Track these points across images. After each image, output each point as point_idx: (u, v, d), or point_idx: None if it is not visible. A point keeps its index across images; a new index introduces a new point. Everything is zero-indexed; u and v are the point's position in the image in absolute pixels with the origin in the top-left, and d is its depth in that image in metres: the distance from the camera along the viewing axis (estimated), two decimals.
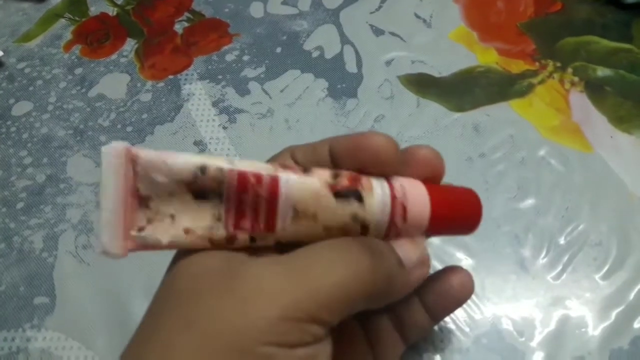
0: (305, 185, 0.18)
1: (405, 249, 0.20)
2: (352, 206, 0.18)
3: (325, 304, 0.17)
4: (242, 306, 0.17)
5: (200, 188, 0.17)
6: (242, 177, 0.17)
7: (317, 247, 0.18)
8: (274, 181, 0.17)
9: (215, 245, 0.17)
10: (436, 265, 0.32)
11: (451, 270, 0.25)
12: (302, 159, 0.21)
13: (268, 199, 0.17)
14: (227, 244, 0.17)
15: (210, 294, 0.17)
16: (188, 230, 0.17)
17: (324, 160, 0.20)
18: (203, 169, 0.17)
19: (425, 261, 0.20)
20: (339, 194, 0.18)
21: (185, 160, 0.17)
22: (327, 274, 0.17)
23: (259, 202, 0.17)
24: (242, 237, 0.17)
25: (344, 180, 0.19)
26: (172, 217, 0.17)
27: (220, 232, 0.17)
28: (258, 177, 0.17)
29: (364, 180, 0.19)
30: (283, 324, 0.17)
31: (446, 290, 0.24)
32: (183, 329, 0.16)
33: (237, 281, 0.17)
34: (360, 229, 0.18)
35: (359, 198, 0.18)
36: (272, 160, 0.21)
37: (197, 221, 0.17)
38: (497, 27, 0.41)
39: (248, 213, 0.17)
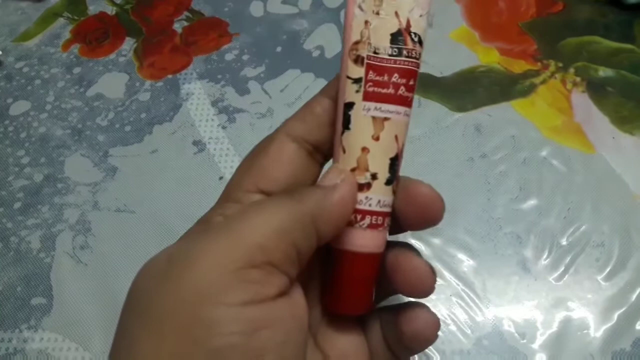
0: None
1: (328, 175, 0.21)
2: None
3: (256, 246, 0.18)
4: (181, 281, 0.17)
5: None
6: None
7: (247, 212, 0.19)
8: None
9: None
10: (437, 266, 0.31)
11: (408, 319, 0.21)
12: (301, 129, 0.22)
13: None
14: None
15: (155, 288, 0.18)
16: (367, 21, 0.20)
17: (323, 118, 0.21)
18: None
19: (346, 178, 0.20)
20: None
21: None
22: (252, 222, 0.18)
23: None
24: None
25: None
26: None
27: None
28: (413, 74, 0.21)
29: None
30: (221, 279, 0.17)
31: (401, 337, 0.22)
32: (141, 324, 0.18)
33: (177, 269, 0.18)
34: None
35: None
36: (267, 140, 0.22)
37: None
38: (498, 26, 0.41)
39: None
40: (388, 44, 0.20)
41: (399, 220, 0.21)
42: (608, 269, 0.31)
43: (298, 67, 0.40)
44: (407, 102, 0.20)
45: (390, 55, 0.20)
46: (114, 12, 0.44)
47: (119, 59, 0.41)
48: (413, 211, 0.21)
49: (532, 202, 0.33)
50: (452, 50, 0.40)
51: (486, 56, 0.39)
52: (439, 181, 0.35)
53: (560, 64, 0.39)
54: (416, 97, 0.38)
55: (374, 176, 0.20)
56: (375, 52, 0.20)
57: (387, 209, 0.21)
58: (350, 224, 0.20)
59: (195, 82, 0.40)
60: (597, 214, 0.33)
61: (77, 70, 0.41)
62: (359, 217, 0.20)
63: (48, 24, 0.44)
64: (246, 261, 0.17)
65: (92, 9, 0.44)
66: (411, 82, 0.20)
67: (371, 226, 0.20)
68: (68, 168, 0.37)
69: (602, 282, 0.31)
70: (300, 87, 0.39)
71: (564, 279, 0.31)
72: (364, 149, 0.20)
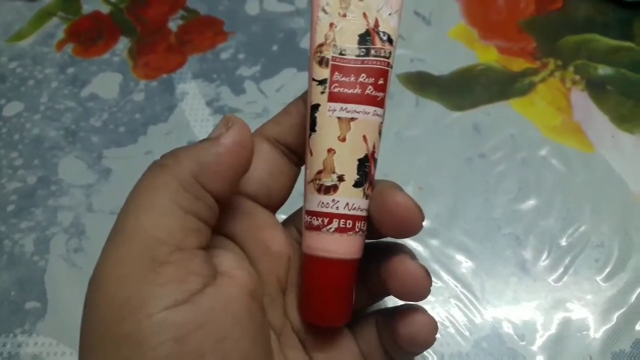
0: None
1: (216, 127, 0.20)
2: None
3: (152, 239, 0.17)
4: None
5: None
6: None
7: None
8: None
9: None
10: (435, 267, 0.31)
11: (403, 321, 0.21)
12: (274, 130, 0.22)
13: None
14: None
15: (84, 316, 0.18)
16: (332, 23, 0.20)
17: (296, 119, 0.21)
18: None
19: (233, 125, 0.19)
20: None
21: None
22: (139, 218, 0.18)
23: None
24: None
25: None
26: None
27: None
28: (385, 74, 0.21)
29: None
30: (137, 290, 0.16)
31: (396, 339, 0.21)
32: (82, 356, 0.17)
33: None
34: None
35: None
36: None
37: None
38: (497, 24, 0.40)
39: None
40: (355, 45, 0.20)
41: (374, 228, 0.20)
42: (607, 270, 0.31)
43: (294, 66, 0.39)
44: (376, 102, 0.20)
45: (357, 56, 0.20)
46: (108, 11, 0.44)
47: (113, 58, 0.41)
48: (387, 220, 0.20)
49: (531, 202, 0.33)
50: (450, 48, 0.39)
51: (485, 54, 0.39)
52: (436, 181, 0.34)
53: (560, 62, 0.38)
54: (414, 96, 0.38)
55: (340, 178, 0.20)
56: (340, 54, 0.20)
57: (358, 212, 0.20)
58: (317, 228, 0.20)
59: (190, 82, 0.39)
60: (596, 214, 0.32)
61: (70, 70, 0.41)
62: (325, 220, 0.20)
63: (42, 24, 0.43)
64: (152, 261, 0.16)
65: (86, 8, 0.44)
66: (380, 81, 0.20)
67: (339, 230, 0.20)
68: (62, 170, 0.36)
69: (601, 283, 0.30)
70: (296, 87, 0.39)
71: (563, 280, 0.31)
72: (330, 150, 0.20)
